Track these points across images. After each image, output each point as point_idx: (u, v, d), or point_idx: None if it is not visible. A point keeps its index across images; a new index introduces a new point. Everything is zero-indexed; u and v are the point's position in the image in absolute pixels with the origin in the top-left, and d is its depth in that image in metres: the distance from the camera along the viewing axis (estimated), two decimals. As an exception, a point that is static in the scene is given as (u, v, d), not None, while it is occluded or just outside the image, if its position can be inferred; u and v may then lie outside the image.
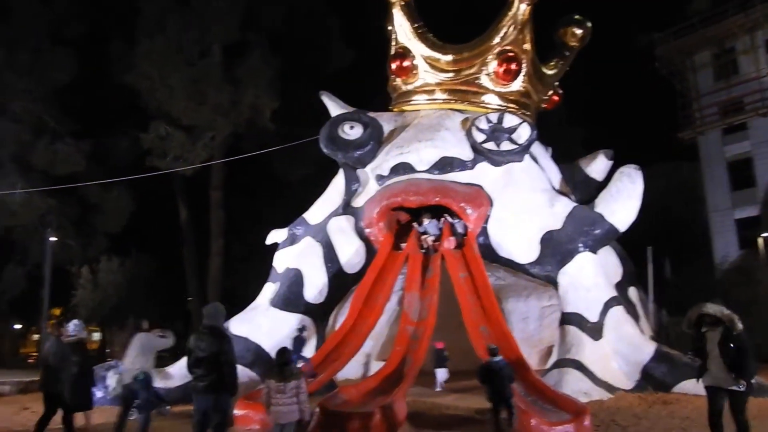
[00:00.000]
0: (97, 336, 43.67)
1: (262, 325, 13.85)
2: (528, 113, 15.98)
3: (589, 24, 17.67)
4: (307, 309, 14.24)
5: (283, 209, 21.23)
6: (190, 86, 26.34)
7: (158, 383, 12.43)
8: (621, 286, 14.25)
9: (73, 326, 10.41)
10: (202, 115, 26.63)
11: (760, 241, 25.42)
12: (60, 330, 9.63)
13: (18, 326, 36.93)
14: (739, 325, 7.23)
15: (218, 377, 6.78)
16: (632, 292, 15.17)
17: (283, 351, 7.35)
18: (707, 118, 28.41)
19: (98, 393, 11.85)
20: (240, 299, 16.73)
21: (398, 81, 16.71)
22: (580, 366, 11.93)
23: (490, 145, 14.29)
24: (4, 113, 26.45)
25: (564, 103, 18.90)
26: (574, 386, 11.33)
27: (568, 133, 30.84)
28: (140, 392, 8.89)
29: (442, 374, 13.08)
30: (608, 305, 13.00)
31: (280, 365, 7.18)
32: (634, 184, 13.94)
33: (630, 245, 15.90)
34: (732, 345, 7.12)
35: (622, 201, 13.83)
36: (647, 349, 12.63)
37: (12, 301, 30.09)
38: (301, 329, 13.68)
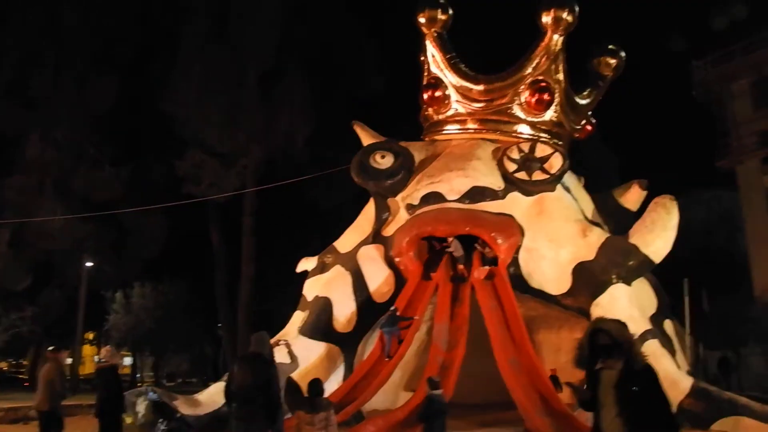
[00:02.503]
0: (128, 361, 44.11)
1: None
2: (560, 143, 15.86)
3: (623, 54, 17.52)
4: (336, 338, 14.17)
5: (317, 236, 21.34)
6: (226, 113, 26.77)
7: (186, 410, 12.49)
8: (656, 319, 13.90)
9: (105, 351, 10.59)
10: (237, 142, 27.03)
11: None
12: (58, 354, 9.87)
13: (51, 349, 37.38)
14: (644, 355, 4.89)
15: (263, 404, 6.75)
16: (668, 325, 14.78)
17: (314, 383, 7.32)
18: (746, 147, 27.92)
19: (128, 419, 11.90)
20: (273, 325, 16.72)
21: (430, 111, 16.74)
22: (613, 401, 11.60)
23: (522, 175, 14.21)
24: (47, 140, 27.19)
25: (599, 131, 18.70)
26: (608, 422, 11.00)
27: (603, 160, 30.51)
28: None
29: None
30: (643, 338, 12.57)
31: (310, 397, 7.16)
32: (669, 214, 13.65)
33: (666, 276, 15.53)
34: (632, 388, 4.53)
35: (657, 232, 13.53)
36: (684, 384, 12.20)
37: (47, 324, 30.51)
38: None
